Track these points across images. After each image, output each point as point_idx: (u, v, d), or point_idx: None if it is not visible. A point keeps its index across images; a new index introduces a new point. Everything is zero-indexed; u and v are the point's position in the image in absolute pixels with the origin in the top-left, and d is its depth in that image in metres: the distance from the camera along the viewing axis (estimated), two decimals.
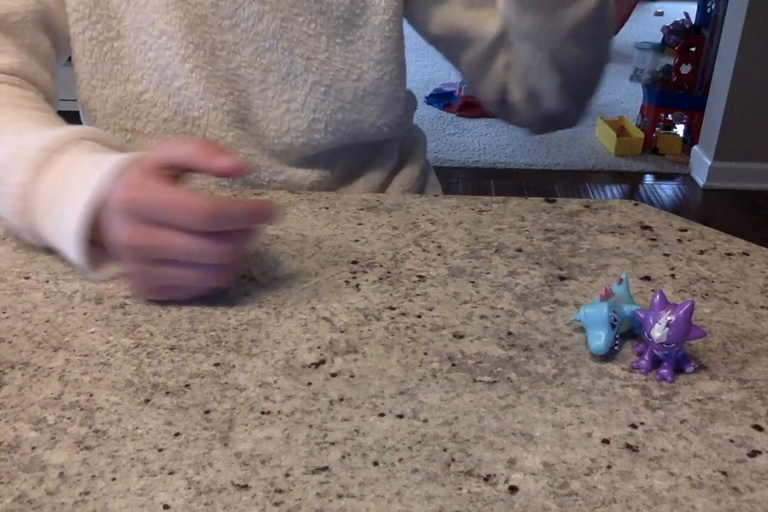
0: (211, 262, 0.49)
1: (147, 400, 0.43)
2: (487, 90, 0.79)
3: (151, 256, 0.48)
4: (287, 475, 0.38)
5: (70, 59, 0.75)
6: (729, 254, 0.59)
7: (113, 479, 0.38)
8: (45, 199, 0.53)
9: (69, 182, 0.53)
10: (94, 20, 0.69)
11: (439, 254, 0.58)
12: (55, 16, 0.69)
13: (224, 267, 0.50)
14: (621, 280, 0.50)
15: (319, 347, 0.48)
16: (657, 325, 0.44)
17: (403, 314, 0.51)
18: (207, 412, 0.42)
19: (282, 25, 0.71)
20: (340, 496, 0.37)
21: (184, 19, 0.69)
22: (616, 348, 0.47)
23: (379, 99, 0.77)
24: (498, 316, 0.51)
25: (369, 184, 0.82)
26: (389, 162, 0.84)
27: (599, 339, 0.46)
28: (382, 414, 0.42)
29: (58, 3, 0.69)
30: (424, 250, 0.59)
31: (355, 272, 0.56)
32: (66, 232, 0.51)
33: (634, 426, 0.42)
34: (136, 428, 0.41)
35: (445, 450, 0.40)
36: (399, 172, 0.86)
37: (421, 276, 0.55)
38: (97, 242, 0.52)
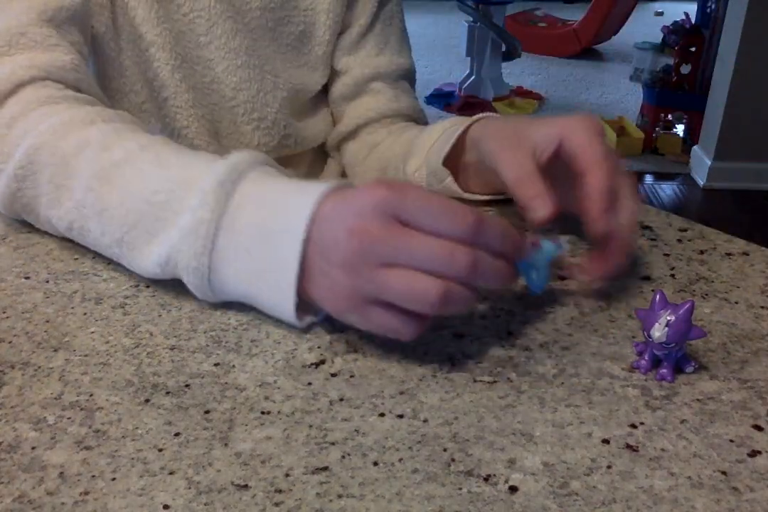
0: (455, 275, 0.42)
1: (147, 400, 0.43)
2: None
3: (389, 256, 0.42)
4: (287, 475, 0.38)
5: None
6: (729, 254, 0.59)
7: (113, 479, 0.38)
8: (241, 233, 0.46)
9: (272, 206, 0.47)
10: (108, 38, 0.70)
11: None
12: (89, 23, 0.68)
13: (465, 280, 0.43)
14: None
15: (319, 347, 0.48)
16: (657, 325, 0.44)
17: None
18: (207, 412, 0.42)
19: (253, 43, 0.75)
20: (340, 496, 0.37)
21: (172, 32, 0.71)
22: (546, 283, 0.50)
23: (326, 112, 0.86)
24: (498, 316, 0.51)
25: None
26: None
27: (534, 280, 0.49)
28: (382, 414, 0.42)
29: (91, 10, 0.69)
30: None
31: None
32: (279, 262, 0.45)
33: (634, 426, 0.42)
34: (136, 428, 0.41)
35: (445, 450, 0.40)
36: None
37: None
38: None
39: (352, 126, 0.82)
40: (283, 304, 0.46)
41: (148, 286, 0.53)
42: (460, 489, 0.38)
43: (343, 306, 0.45)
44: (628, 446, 0.40)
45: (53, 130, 0.54)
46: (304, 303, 0.47)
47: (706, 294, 0.54)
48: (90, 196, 0.51)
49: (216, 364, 0.46)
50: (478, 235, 0.42)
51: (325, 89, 0.84)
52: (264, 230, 0.46)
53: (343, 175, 0.87)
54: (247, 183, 0.48)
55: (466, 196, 0.65)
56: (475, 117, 0.63)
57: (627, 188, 0.52)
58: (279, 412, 0.42)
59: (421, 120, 0.85)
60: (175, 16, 0.71)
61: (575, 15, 4.38)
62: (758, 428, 0.42)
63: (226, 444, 0.40)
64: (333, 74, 0.83)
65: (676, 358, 0.45)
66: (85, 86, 0.62)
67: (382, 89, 0.82)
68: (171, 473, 0.38)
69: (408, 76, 0.85)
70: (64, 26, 0.63)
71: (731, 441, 0.41)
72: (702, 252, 0.59)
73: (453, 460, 0.39)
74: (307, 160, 0.85)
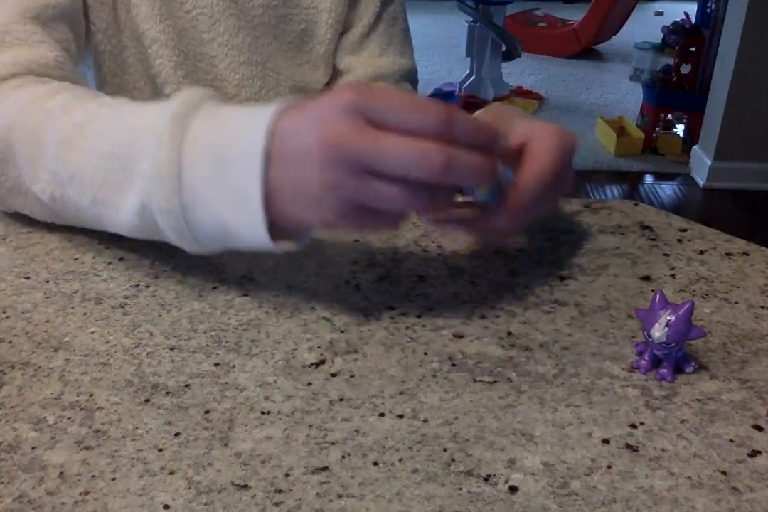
0: (429, 175, 0.41)
1: (147, 400, 0.43)
2: None
3: (361, 161, 0.41)
4: (287, 475, 0.38)
5: None
6: (729, 254, 0.59)
7: (113, 479, 0.38)
8: (202, 164, 0.45)
9: (226, 131, 0.46)
10: (109, 34, 0.71)
11: (439, 254, 0.58)
12: (81, 19, 0.69)
13: (435, 195, 0.43)
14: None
15: (319, 347, 0.48)
16: (657, 325, 0.44)
17: (403, 314, 0.51)
18: (207, 412, 0.42)
19: (255, 40, 0.75)
20: (340, 496, 0.37)
21: (175, 29, 0.72)
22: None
23: None
24: (498, 316, 0.51)
25: None
26: None
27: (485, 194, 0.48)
28: (382, 414, 0.42)
29: (84, 8, 0.69)
30: (424, 250, 0.59)
31: (355, 272, 0.56)
32: (243, 186, 0.44)
33: (634, 426, 0.42)
34: (136, 428, 0.41)
35: (445, 450, 0.40)
36: None
37: (421, 277, 0.55)
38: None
39: None
40: (256, 229, 0.45)
41: (148, 286, 0.53)
42: (460, 489, 0.38)
43: (331, 219, 0.44)
44: (628, 446, 0.40)
45: (21, 108, 0.55)
46: (281, 230, 0.46)
47: (706, 294, 0.54)
48: (60, 163, 0.51)
49: (216, 364, 0.46)
50: (449, 129, 0.42)
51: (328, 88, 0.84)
52: (223, 157, 0.45)
53: None
54: (201, 114, 0.47)
55: None
56: None
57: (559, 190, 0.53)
58: (279, 412, 0.42)
59: None
60: (177, 13, 0.72)
61: (575, 15, 4.38)
62: (758, 428, 0.42)
63: (226, 444, 0.40)
64: (335, 74, 0.83)
65: (676, 358, 0.45)
66: (70, 83, 0.62)
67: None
68: (171, 473, 0.38)
69: (410, 77, 0.85)
70: (50, 23, 0.64)
71: (731, 441, 0.41)
72: (702, 252, 0.59)
73: (453, 460, 0.39)
74: None
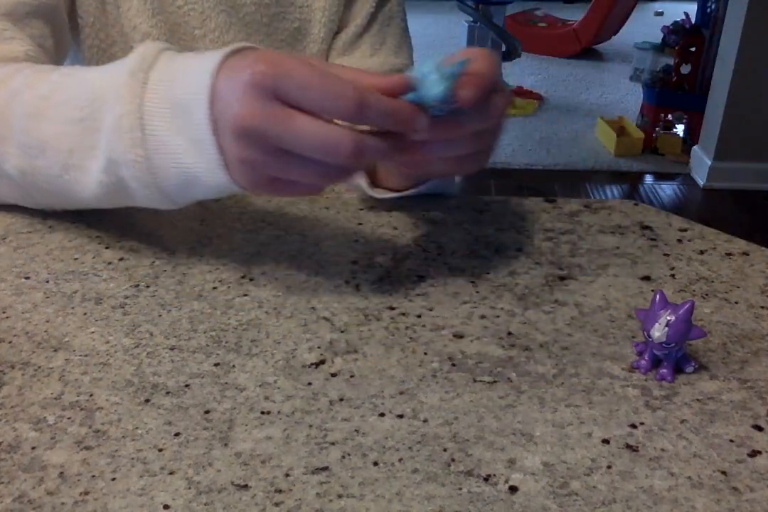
0: (337, 161, 0.43)
1: (147, 400, 0.43)
2: None
3: (272, 140, 0.42)
4: (287, 475, 0.38)
5: None
6: (729, 254, 0.59)
7: (113, 479, 0.38)
8: (162, 113, 0.46)
9: (181, 80, 0.47)
10: (97, 28, 0.71)
11: (439, 254, 0.58)
12: (62, 15, 0.69)
13: (348, 168, 0.44)
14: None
15: (319, 347, 0.48)
16: (657, 325, 0.44)
17: (403, 314, 0.51)
18: (207, 412, 0.42)
19: (247, 37, 0.75)
20: (340, 496, 0.37)
21: (167, 24, 0.72)
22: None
23: None
24: (498, 316, 0.51)
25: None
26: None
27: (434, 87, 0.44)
28: (382, 414, 0.42)
29: (65, 3, 0.69)
30: (424, 250, 0.59)
31: (355, 272, 0.56)
32: (197, 125, 0.45)
33: (634, 426, 0.42)
34: (136, 428, 0.41)
35: (445, 450, 0.40)
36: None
37: (421, 276, 0.55)
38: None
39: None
40: (214, 169, 0.46)
41: (148, 286, 0.53)
42: (460, 489, 0.38)
43: (248, 186, 0.46)
44: (628, 446, 0.40)
45: None
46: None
47: (706, 294, 0.54)
48: (30, 136, 0.52)
49: (216, 364, 0.46)
50: (362, 113, 0.41)
51: None
52: (180, 105, 0.46)
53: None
54: (158, 66, 0.48)
55: (375, 193, 0.64)
56: None
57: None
58: (279, 412, 0.42)
59: None
60: (169, 8, 0.72)
61: (575, 15, 4.38)
62: (758, 428, 0.42)
63: (226, 444, 0.40)
64: None
65: (676, 358, 0.45)
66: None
67: None
68: (171, 473, 0.38)
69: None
70: (24, 20, 0.64)
71: (731, 441, 0.41)
72: (702, 252, 0.59)
73: (453, 460, 0.39)
74: None
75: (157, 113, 0.46)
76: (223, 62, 0.45)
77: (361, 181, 0.63)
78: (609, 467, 0.39)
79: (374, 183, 0.64)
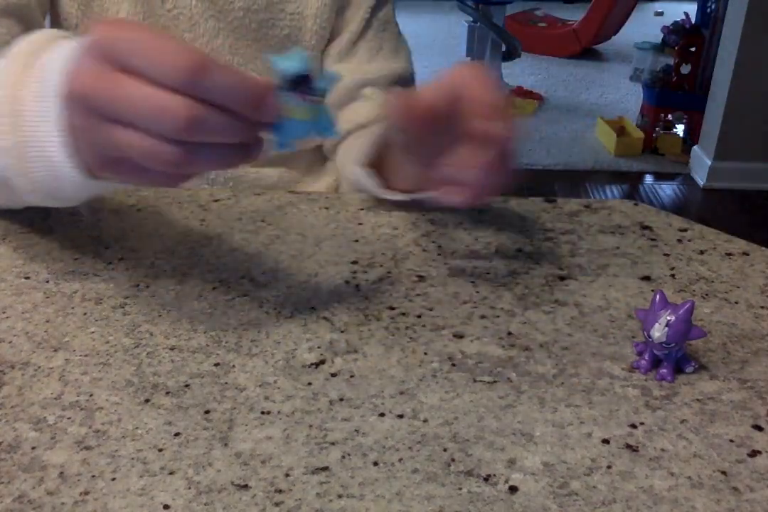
0: (170, 134, 0.38)
1: (147, 400, 0.43)
2: None
3: (103, 108, 0.39)
4: (287, 475, 0.38)
5: None
6: (729, 254, 0.59)
7: (113, 479, 0.38)
8: (35, 100, 0.43)
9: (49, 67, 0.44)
10: (81, 31, 0.71)
11: (439, 254, 0.58)
12: (35, 14, 0.68)
13: (189, 151, 0.39)
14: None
15: (319, 347, 0.48)
16: (657, 325, 0.44)
17: (403, 314, 0.51)
18: (207, 412, 0.42)
19: (236, 42, 0.75)
20: (340, 496, 0.37)
21: (157, 27, 0.72)
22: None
23: None
24: (498, 316, 0.51)
25: (336, 175, 0.85)
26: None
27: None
28: (382, 414, 0.42)
29: (39, 4, 0.68)
30: (424, 250, 0.59)
31: (355, 272, 0.56)
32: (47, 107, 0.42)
33: (634, 426, 0.42)
34: (136, 428, 0.41)
35: (445, 450, 0.40)
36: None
37: (421, 276, 0.55)
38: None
39: (343, 132, 0.81)
40: (61, 148, 0.43)
41: (148, 286, 0.53)
42: (460, 489, 0.38)
43: (95, 167, 0.43)
44: (628, 446, 0.40)
45: None
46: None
47: (706, 294, 0.54)
48: None
49: (216, 364, 0.46)
50: (197, 84, 0.37)
51: None
52: (47, 94, 0.43)
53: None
54: (45, 54, 0.44)
55: (385, 193, 0.63)
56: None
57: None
58: (279, 412, 0.42)
59: None
60: (159, 11, 0.72)
61: (575, 15, 4.38)
62: (758, 428, 0.42)
63: (226, 444, 0.40)
64: None
65: (676, 358, 0.45)
66: None
67: (373, 95, 0.80)
68: (171, 473, 0.38)
69: (403, 81, 0.84)
70: None
71: (731, 441, 0.41)
72: (702, 252, 0.59)
73: (453, 460, 0.39)
74: (304, 161, 0.85)
75: (31, 100, 0.43)
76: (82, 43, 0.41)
77: (367, 179, 0.63)
78: (609, 467, 0.39)
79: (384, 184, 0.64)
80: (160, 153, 0.39)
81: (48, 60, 0.44)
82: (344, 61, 0.81)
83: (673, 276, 0.56)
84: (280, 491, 0.37)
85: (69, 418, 0.42)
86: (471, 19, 3.41)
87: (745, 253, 0.59)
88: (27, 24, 0.66)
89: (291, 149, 0.42)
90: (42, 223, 0.60)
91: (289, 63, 0.40)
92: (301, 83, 0.40)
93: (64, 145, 0.43)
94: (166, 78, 0.37)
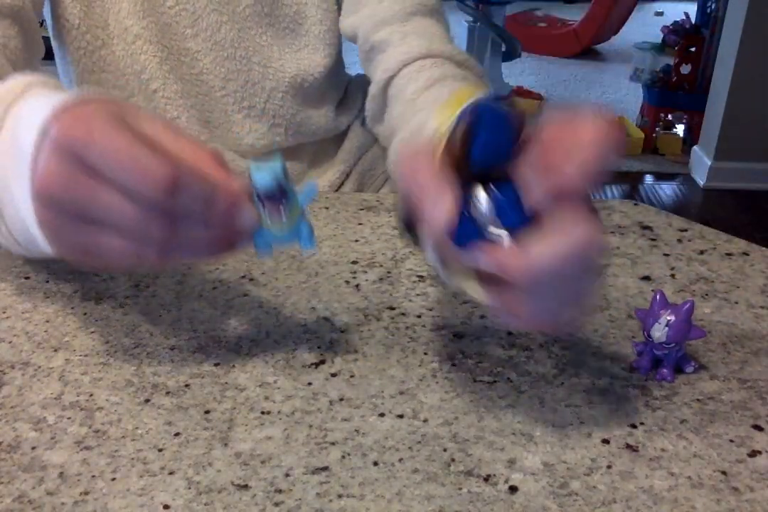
0: (146, 240, 0.38)
1: (147, 400, 0.43)
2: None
3: (73, 211, 0.37)
4: (287, 475, 0.38)
5: (52, 58, 0.75)
6: (729, 254, 0.59)
7: (113, 479, 0.38)
8: (7, 155, 0.42)
9: (22, 126, 0.41)
10: (83, 30, 0.72)
11: None
12: (30, 16, 0.67)
13: (163, 247, 0.38)
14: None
15: (319, 347, 0.48)
16: (657, 325, 0.44)
17: (403, 314, 0.51)
18: (207, 412, 0.42)
19: (239, 35, 0.75)
20: (340, 496, 0.37)
21: (158, 25, 0.72)
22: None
23: (332, 98, 0.84)
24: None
25: (340, 172, 0.85)
26: (357, 145, 0.87)
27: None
28: (382, 414, 0.42)
29: (34, 5, 0.68)
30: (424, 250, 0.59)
31: (355, 272, 0.56)
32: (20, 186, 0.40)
33: (634, 426, 0.42)
34: (136, 428, 0.41)
35: (445, 450, 0.40)
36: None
37: (421, 276, 0.55)
38: None
39: (376, 90, 0.74)
40: (35, 226, 0.40)
41: (148, 286, 0.53)
42: (460, 489, 0.38)
43: (60, 251, 0.40)
44: (628, 446, 0.40)
45: None
46: None
47: (706, 294, 0.54)
48: None
49: (216, 364, 0.46)
50: (172, 196, 0.36)
51: (333, 80, 0.83)
52: (18, 156, 0.40)
53: (350, 173, 0.87)
54: (20, 102, 0.43)
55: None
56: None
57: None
58: (279, 412, 0.42)
59: (446, 53, 0.72)
60: (160, 9, 0.72)
61: (575, 15, 4.38)
62: (758, 428, 0.42)
63: (226, 444, 0.40)
64: (340, 49, 0.81)
65: (676, 358, 0.45)
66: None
67: (387, 39, 0.73)
68: (171, 473, 0.38)
69: (428, 10, 0.77)
70: None
71: (731, 441, 0.41)
72: (702, 252, 0.59)
73: (453, 460, 0.39)
74: (309, 152, 0.85)
75: (4, 153, 0.42)
76: (58, 114, 0.38)
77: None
78: (609, 467, 0.39)
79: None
80: (134, 255, 0.38)
81: (18, 131, 0.41)
82: (358, 13, 0.76)
83: (673, 276, 0.56)
84: (280, 491, 0.37)
85: (69, 418, 0.42)
86: (471, 19, 3.41)
87: (745, 253, 0.59)
88: (22, 26, 0.65)
89: (269, 256, 0.41)
90: None
91: (262, 175, 0.38)
92: (275, 197, 0.39)
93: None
94: (140, 193, 0.36)
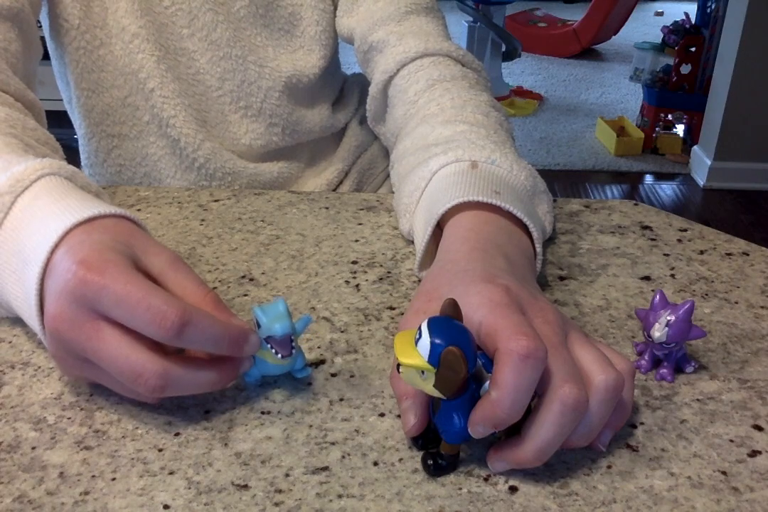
0: (137, 390, 0.39)
1: None
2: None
3: (78, 350, 0.39)
4: (287, 475, 0.38)
5: (47, 59, 0.75)
6: (729, 254, 0.59)
7: (113, 479, 0.38)
8: (9, 253, 0.44)
9: (28, 233, 0.43)
10: (82, 30, 0.72)
11: None
12: (29, 18, 0.67)
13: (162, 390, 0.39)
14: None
15: (319, 347, 0.48)
16: (657, 325, 0.44)
17: (403, 314, 0.51)
18: (207, 412, 0.42)
19: (235, 34, 0.75)
20: (340, 496, 0.37)
21: (155, 24, 0.72)
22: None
23: (328, 97, 0.84)
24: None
25: (339, 171, 0.86)
26: (355, 144, 0.87)
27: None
28: (382, 414, 0.42)
29: (33, 7, 0.68)
30: None
31: (355, 272, 0.56)
32: (28, 288, 0.42)
33: (634, 426, 0.42)
34: (136, 428, 0.41)
35: None
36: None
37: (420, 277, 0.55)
38: None
39: (376, 91, 0.74)
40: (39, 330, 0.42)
41: None
42: (460, 489, 0.38)
43: (67, 374, 0.43)
44: (628, 446, 0.40)
45: None
46: None
47: (706, 294, 0.54)
48: None
49: None
50: (181, 339, 0.38)
51: (329, 80, 0.83)
52: (21, 259, 0.43)
53: (349, 172, 0.87)
54: (27, 196, 0.44)
55: None
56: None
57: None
58: (279, 412, 0.42)
59: (443, 51, 0.72)
60: (156, 8, 0.72)
61: (575, 15, 4.38)
62: (758, 428, 0.42)
63: (226, 444, 0.40)
64: (335, 49, 0.81)
65: (676, 358, 0.45)
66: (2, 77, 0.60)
67: (385, 39, 0.73)
68: (171, 473, 0.38)
69: (418, 10, 0.76)
70: None
71: (731, 441, 0.41)
72: (702, 252, 0.59)
73: None
74: (305, 155, 0.85)
75: (6, 252, 0.43)
76: (66, 235, 0.41)
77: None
78: (609, 467, 0.39)
79: None
80: (133, 393, 0.40)
81: (28, 231, 0.42)
82: (354, 15, 0.77)
83: (673, 276, 0.56)
84: (280, 491, 0.37)
85: (69, 418, 0.42)
86: (471, 19, 3.41)
87: (745, 253, 0.59)
88: (21, 28, 0.65)
89: (257, 382, 0.44)
90: None
91: (275, 325, 0.40)
92: (285, 341, 0.41)
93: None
94: (150, 335, 0.38)
